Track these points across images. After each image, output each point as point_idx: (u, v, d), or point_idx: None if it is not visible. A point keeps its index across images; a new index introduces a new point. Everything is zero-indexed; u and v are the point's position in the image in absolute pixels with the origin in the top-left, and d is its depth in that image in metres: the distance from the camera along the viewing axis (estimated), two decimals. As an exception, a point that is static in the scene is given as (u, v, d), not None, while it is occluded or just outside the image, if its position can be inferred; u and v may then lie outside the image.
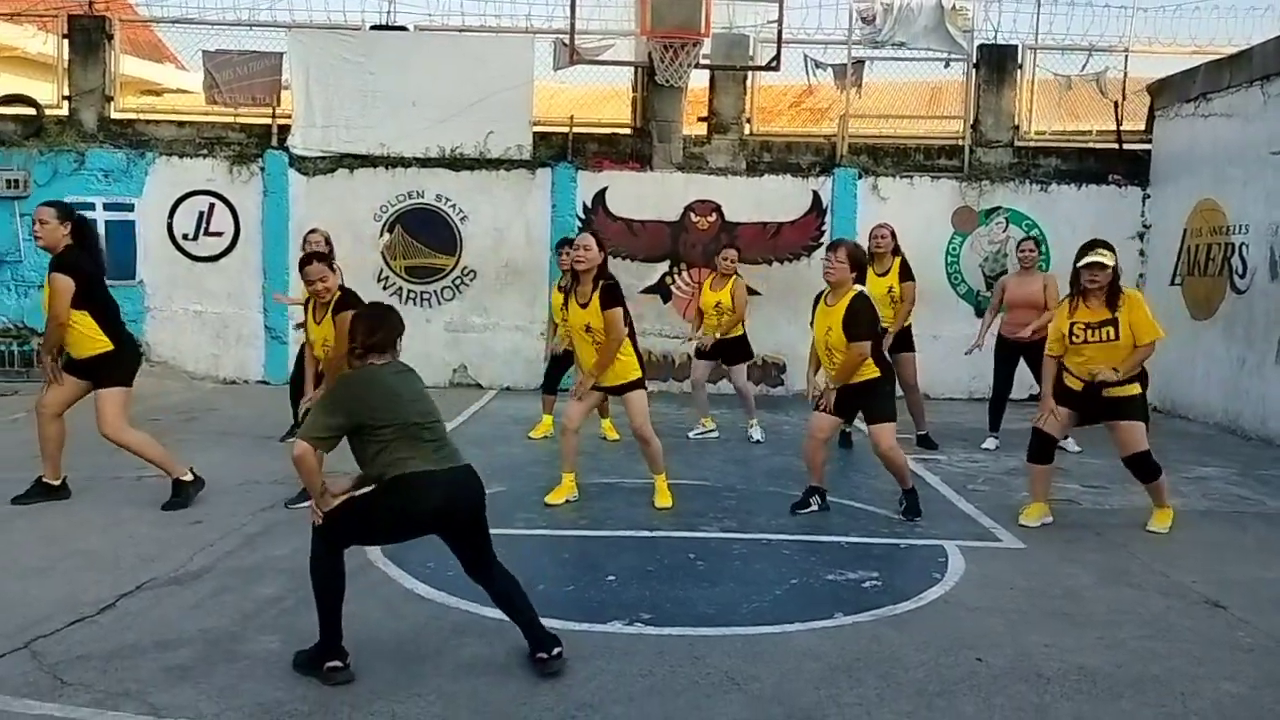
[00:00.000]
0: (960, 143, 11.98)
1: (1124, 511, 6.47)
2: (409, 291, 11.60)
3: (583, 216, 11.53)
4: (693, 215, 11.62)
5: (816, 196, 11.64)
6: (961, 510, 6.56)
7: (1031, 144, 12.07)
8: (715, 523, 6.11)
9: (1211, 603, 4.83)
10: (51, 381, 6.08)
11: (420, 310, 11.52)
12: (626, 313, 6.25)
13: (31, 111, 11.68)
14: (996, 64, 11.91)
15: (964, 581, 5.07)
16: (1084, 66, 12.08)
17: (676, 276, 11.67)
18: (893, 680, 3.86)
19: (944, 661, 4.04)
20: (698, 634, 4.27)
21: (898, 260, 8.29)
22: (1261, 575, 5.32)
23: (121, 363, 6.14)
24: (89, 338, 6.00)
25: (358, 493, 3.90)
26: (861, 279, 6.22)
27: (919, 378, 8.57)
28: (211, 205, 11.55)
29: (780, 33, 11.14)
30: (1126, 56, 12.03)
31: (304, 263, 6.15)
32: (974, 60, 11.87)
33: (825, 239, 11.17)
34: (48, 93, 12.07)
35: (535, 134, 11.70)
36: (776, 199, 11.65)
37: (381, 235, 11.56)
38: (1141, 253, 11.68)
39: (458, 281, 11.69)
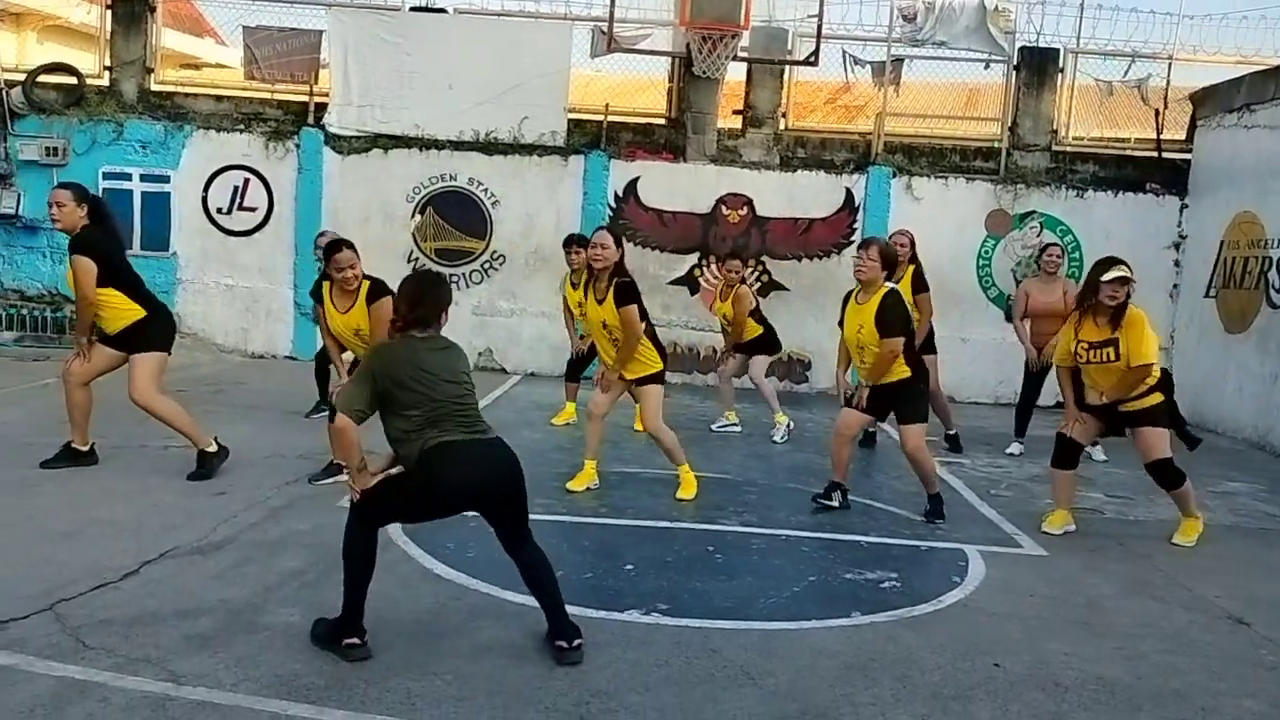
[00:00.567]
0: (997, 145, 11.88)
1: (1149, 523, 6.41)
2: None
3: (613, 205, 11.52)
4: (724, 208, 11.59)
5: (849, 194, 11.58)
6: (983, 515, 6.52)
7: (1069, 149, 11.96)
8: (735, 516, 6.10)
9: (1235, 619, 4.77)
10: (80, 355, 6.13)
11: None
12: (642, 307, 6.23)
13: (73, 81, 11.80)
14: (1037, 67, 11.80)
15: (984, 586, 5.04)
16: (1126, 73, 11.95)
17: (705, 269, 11.65)
18: (908, 682, 3.84)
19: (961, 665, 4.02)
20: (714, 626, 4.27)
21: (912, 269, 8.00)
22: (1287, 593, 5.25)
23: (157, 328, 6.21)
24: (121, 311, 6.07)
25: (394, 470, 3.89)
26: (891, 277, 6.19)
27: (940, 379, 8.50)
28: (246, 180, 11.64)
29: (820, 28, 11.07)
30: (1170, 64, 11.89)
31: (332, 249, 6.09)
32: (1014, 62, 11.76)
33: (856, 237, 11.11)
34: (89, 63, 12.21)
35: (569, 121, 11.71)
36: (809, 195, 11.60)
37: (413, 216, 11.61)
38: (1177, 263, 11.54)
39: (486, 266, 11.72)
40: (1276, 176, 9.80)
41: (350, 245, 6.12)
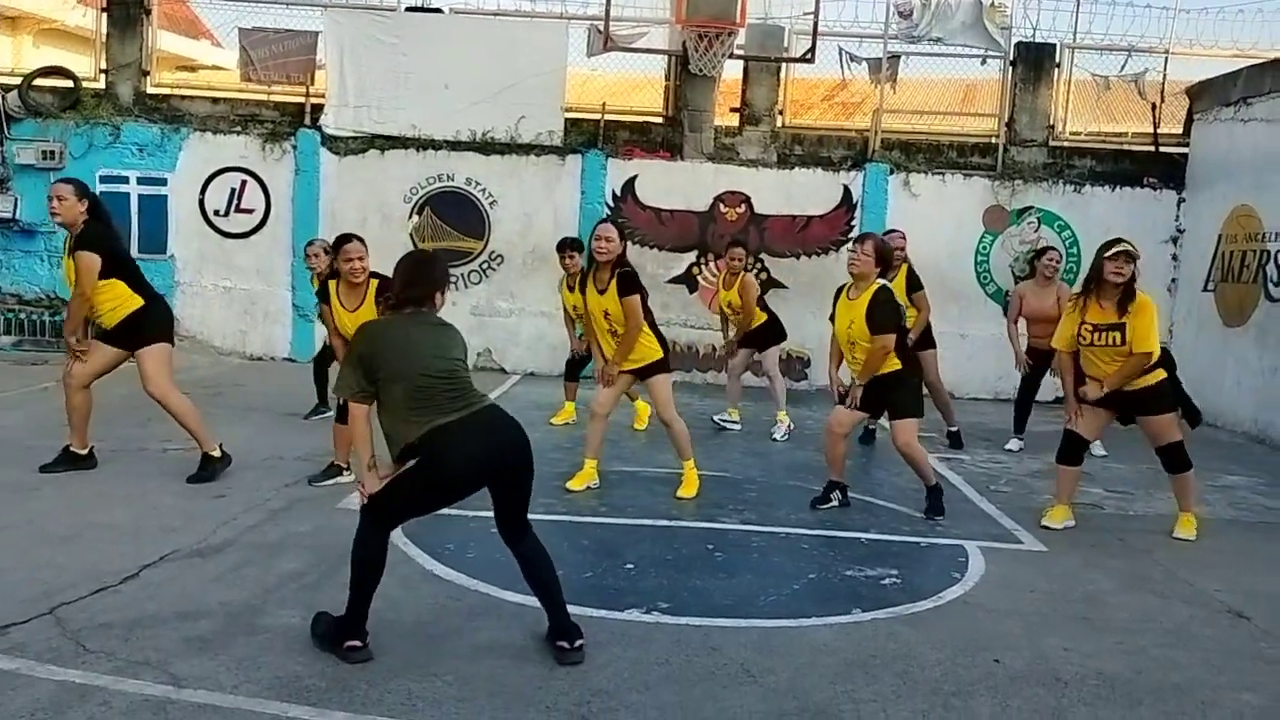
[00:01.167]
0: (994, 141, 11.89)
1: (1148, 518, 6.41)
2: (436, 274, 11.62)
3: (611, 204, 11.52)
4: (722, 206, 11.59)
5: (847, 191, 11.58)
6: (983, 511, 6.52)
7: (1066, 144, 11.96)
8: (735, 515, 6.10)
9: (1235, 613, 4.78)
10: (76, 358, 6.13)
11: (447, 293, 11.53)
12: (644, 298, 6.25)
13: (69, 84, 11.79)
14: (1034, 62, 11.80)
15: (984, 582, 5.04)
16: (1123, 67, 11.95)
17: (704, 267, 11.65)
18: (909, 678, 3.84)
19: (961, 661, 4.02)
20: (714, 625, 4.27)
21: (904, 268, 7.98)
22: (1286, 587, 5.26)
23: (157, 318, 6.22)
24: (122, 301, 6.07)
25: (400, 470, 3.84)
26: (885, 274, 6.19)
27: (941, 375, 8.50)
28: (243, 182, 11.63)
29: (816, 25, 11.09)
30: (1166, 58, 11.89)
31: (342, 240, 6.12)
32: (1011, 58, 11.76)
33: (854, 234, 11.09)
34: (85, 65, 12.20)
35: (566, 120, 11.70)
36: (806, 192, 11.60)
37: (411, 217, 11.60)
38: (1175, 257, 11.55)
39: (485, 266, 11.72)
40: (1273, 169, 9.80)
41: (360, 239, 6.16)
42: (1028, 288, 8.52)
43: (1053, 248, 8.79)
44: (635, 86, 12.70)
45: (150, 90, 11.96)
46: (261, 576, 4.58)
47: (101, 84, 11.89)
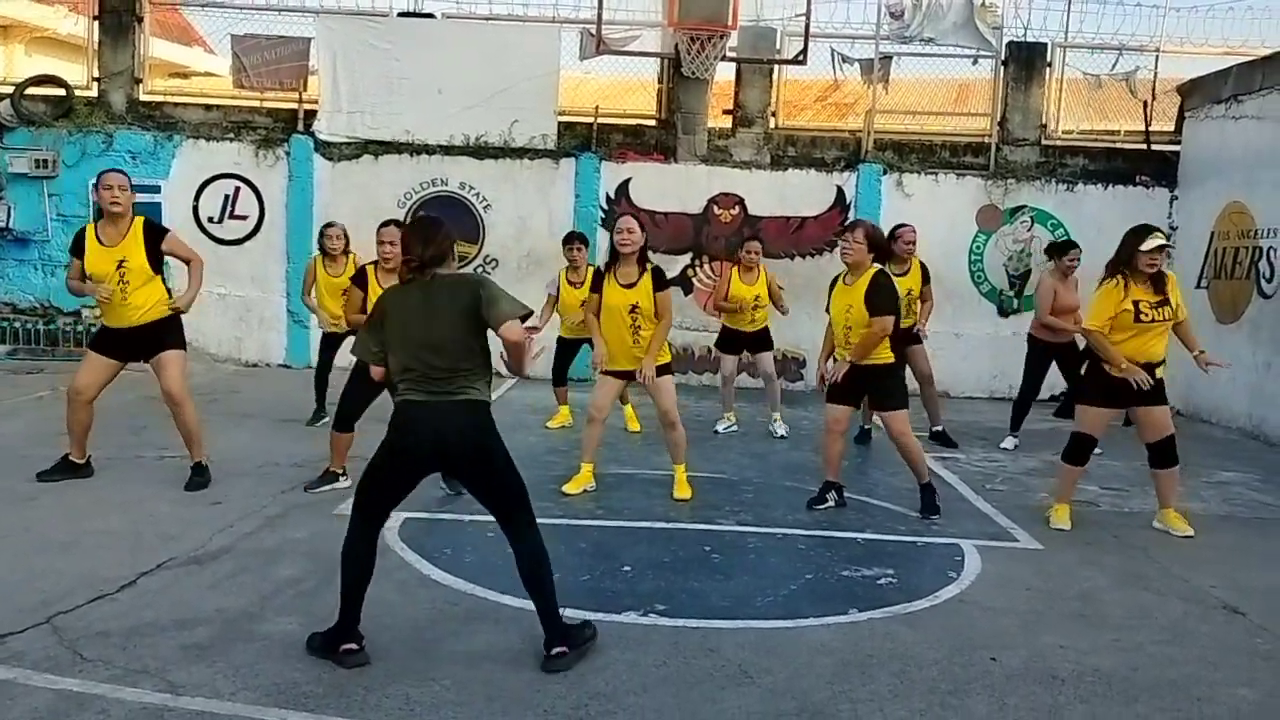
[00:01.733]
0: (987, 140, 11.91)
1: (1143, 515, 6.42)
2: (431, 279, 11.62)
3: (605, 207, 11.53)
4: (716, 208, 11.60)
5: (840, 192, 11.60)
6: (979, 509, 6.53)
7: (1059, 143, 11.98)
8: (731, 516, 6.11)
9: (1230, 608, 4.79)
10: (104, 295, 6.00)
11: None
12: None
13: (61, 92, 11.77)
14: (1025, 62, 11.82)
15: (980, 581, 5.05)
16: (1114, 66, 11.98)
17: (698, 269, 11.66)
18: (906, 678, 3.85)
19: (958, 660, 4.03)
20: (712, 626, 4.28)
21: (916, 261, 8.26)
22: (1281, 582, 5.28)
23: (179, 323, 6.30)
24: (161, 300, 6.15)
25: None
26: (880, 260, 6.21)
27: (933, 372, 8.57)
28: (237, 189, 11.63)
29: (808, 26, 11.09)
30: (1157, 56, 11.92)
31: (383, 224, 6.59)
32: (1003, 58, 11.79)
33: (848, 235, 11.12)
34: (77, 74, 12.17)
35: (560, 124, 11.71)
36: (800, 193, 11.61)
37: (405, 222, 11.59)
38: (1168, 254, 11.55)
39: (479, 269, 11.72)
40: (1265, 166, 9.84)
41: (399, 223, 6.47)
42: (1056, 283, 8.38)
43: (1075, 244, 8.66)
44: (628, 89, 12.71)
45: (143, 98, 11.95)
46: (258, 583, 4.58)
47: (94, 92, 11.86)
